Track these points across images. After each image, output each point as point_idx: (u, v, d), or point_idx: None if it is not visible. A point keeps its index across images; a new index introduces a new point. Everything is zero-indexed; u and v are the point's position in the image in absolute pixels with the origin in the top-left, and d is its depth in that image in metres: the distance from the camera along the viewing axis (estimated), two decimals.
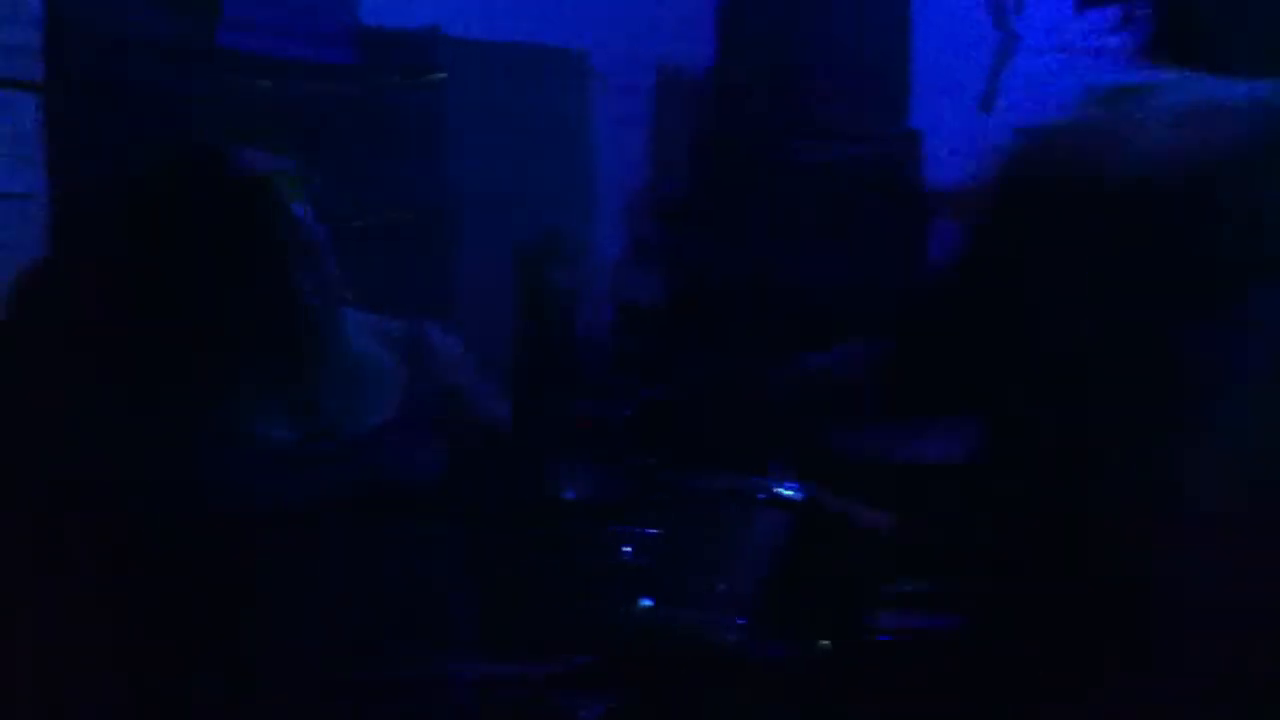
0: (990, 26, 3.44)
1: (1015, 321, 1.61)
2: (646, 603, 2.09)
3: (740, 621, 2.08)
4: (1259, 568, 1.59)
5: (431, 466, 2.28)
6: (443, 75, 3.28)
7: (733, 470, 2.55)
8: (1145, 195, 1.54)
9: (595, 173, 3.85)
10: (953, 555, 2.31)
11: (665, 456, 2.93)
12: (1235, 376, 1.52)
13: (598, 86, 3.79)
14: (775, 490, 2.22)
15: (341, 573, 2.09)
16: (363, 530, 2.13)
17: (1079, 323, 1.59)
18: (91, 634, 2.07)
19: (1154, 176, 1.55)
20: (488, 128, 3.57)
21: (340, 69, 3.15)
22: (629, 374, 3.55)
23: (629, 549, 2.19)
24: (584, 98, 3.80)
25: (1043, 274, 1.60)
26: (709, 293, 3.59)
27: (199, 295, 2.19)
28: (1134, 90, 1.63)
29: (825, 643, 2.15)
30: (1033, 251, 1.59)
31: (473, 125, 3.48)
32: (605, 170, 3.83)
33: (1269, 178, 1.54)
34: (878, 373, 2.71)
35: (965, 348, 1.79)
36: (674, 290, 3.68)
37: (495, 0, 3.52)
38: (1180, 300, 1.55)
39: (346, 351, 2.25)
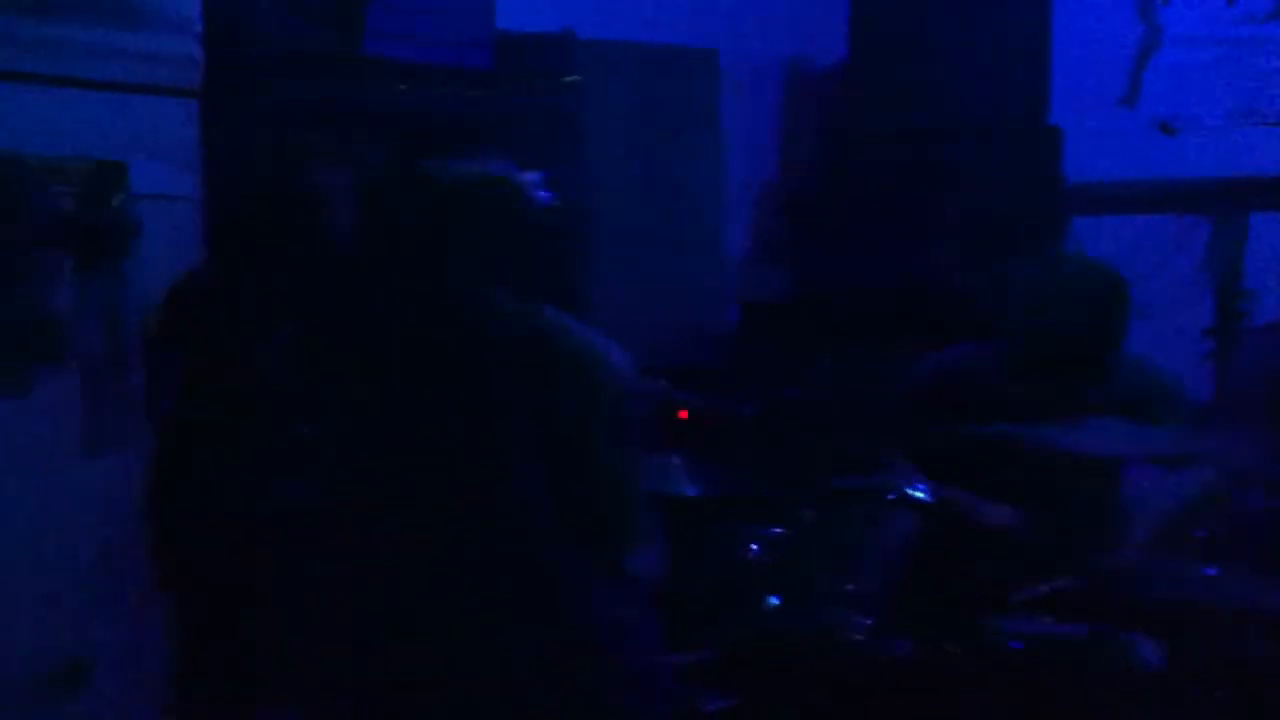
0: (1134, 18, 3.32)
1: None
2: (773, 601, 2.11)
3: (867, 621, 2.08)
4: None
5: None
6: (576, 78, 3.34)
7: (861, 470, 2.55)
8: None
9: (724, 170, 3.86)
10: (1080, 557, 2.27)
11: (793, 455, 2.94)
12: None
13: (727, 85, 3.80)
14: (905, 490, 2.21)
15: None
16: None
17: None
18: None
19: None
20: (620, 128, 3.61)
21: (479, 74, 3.24)
22: (755, 372, 3.56)
23: (756, 547, 2.21)
24: (713, 96, 3.81)
25: None
26: (837, 290, 3.57)
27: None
28: None
29: (953, 645, 2.13)
30: None
31: (605, 125, 3.53)
32: (734, 168, 3.84)
33: None
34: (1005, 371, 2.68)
35: None
36: (801, 287, 3.67)
37: (626, 2, 3.56)
38: None
39: None
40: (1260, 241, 3.27)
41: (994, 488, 2.42)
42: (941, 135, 3.42)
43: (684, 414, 2.88)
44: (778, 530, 2.31)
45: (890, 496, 2.19)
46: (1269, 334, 2.62)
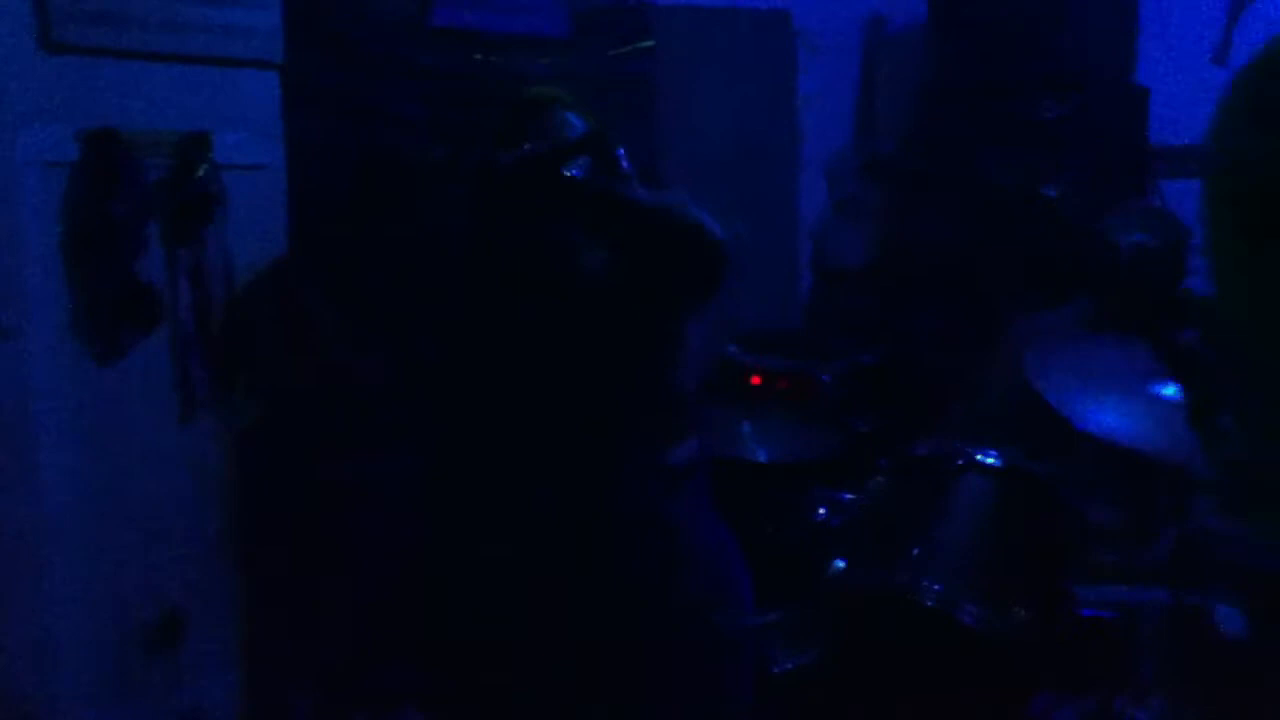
0: None
1: None
2: (839, 564, 2.11)
3: (936, 587, 2.07)
4: None
5: None
6: (651, 43, 3.34)
7: (933, 433, 2.53)
8: None
9: (801, 134, 3.82)
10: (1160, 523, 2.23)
11: (867, 419, 2.93)
12: None
13: (803, 47, 3.76)
14: (975, 456, 2.19)
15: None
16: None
17: None
18: None
19: None
20: (695, 92, 3.60)
21: (553, 41, 3.25)
22: (832, 335, 3.54)
23: (824, 510, 2.21)
24: (789, 59, 3.77)
25: None
26: (915, 254, 3.52)
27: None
28: None
29: (1022, 611, 2.12)
30: None
31: (681, 90, 3.52)
32: (810, 130, 3.80)
33: None
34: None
35: None
36: (880, 252, 3.63)
37: None
38: None
39: None
40: None
41: (1074, 454, 2.40)
42: (1024, 96, 3.34)
43: (756, 379, 2.88)
44: (847, 495, 2.31)
45: (959, 462, 2.17)
46: None
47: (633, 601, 2.00)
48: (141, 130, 2.49)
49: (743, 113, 3.71)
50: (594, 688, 2.00)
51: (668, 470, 2.06)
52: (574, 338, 2.00)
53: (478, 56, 3.07)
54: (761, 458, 2.57)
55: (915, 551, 2.12)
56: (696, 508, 2.10)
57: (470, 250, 2.14)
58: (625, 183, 1.95)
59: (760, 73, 3.74)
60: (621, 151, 2.00)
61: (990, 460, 2.20)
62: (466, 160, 2.32)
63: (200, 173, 2.56)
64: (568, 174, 1.89)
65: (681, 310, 2.06)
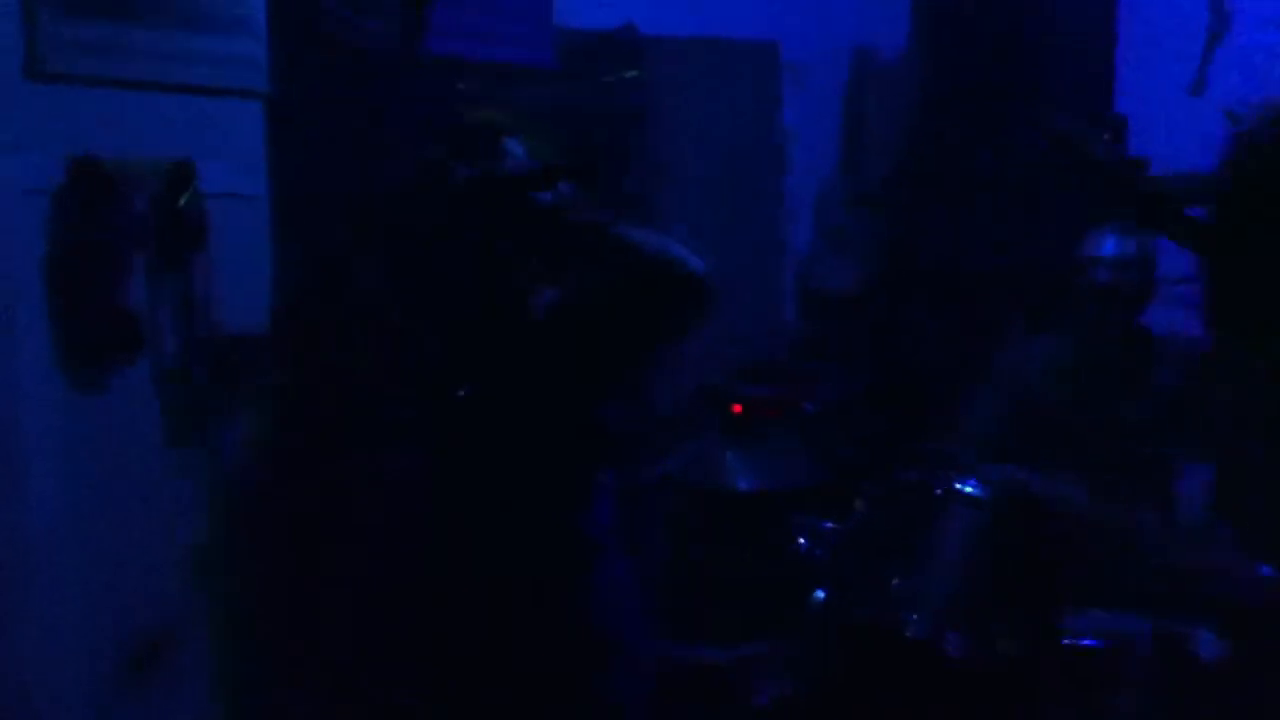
0: (1201, 3, 3.23)
1: None
2: (820, 594, 2.11)
3: (918, 618, 2.06)
4: None
5: None
6: (637, 73, 3.36)
7: (918, 462, 2.53)
8: None
9: (787, 163, 3.84)
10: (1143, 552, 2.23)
11: (851, 449, 2.93)
12: None
13: (789, 78, 3.78)
14: (955, 485, 2.19)
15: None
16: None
17: None
18: None
19: None
20: (683, 122, 3.62)
21: (540, 71, 3.27)
22: (816, 365, 3.54)
23: (804, 540, 2.21)
24: (775, 89, 3.80)
25: None
26: (902, 280, 3.54)
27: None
28: None
29: (1007, 641, 2.12)
30: None
31: (669, 120, 3.54)
32: (796, 161, 3.82)
33: None
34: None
35: None
36: (867, 278, 3.64)
37: None
38: None
39: None
40: None
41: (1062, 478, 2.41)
42: (1004, 124, 3.37)
43: (738, 408, 2.88)
44: (828, 524, 2.31)
45: (938, 491, 2.17)
46: None
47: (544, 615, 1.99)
48: (126, 158, 2.49)
49: (729, 144, 3.73)
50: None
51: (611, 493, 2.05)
52: (522, 366, 1.98)
53: (462, 86, 3.08)
54: (743, 486, 2.57)
55: (897, 582, 2.12)
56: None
57: (430, 268, 2.13)
58: (606, 215, 1.95)
59: (747, 104, 3.76)
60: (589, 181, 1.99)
61: (970, 489, 2.20)
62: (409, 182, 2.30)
63: (184, 202, 2.56)
64: (545, 201, 1.88)
65: (658, 343, 2.05)
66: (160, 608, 2.55)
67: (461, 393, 2.02)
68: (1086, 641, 2.17)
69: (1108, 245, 2.72)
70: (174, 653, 2.56)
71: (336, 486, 2.44)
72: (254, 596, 2.61)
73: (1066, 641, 2.14)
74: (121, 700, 2.50)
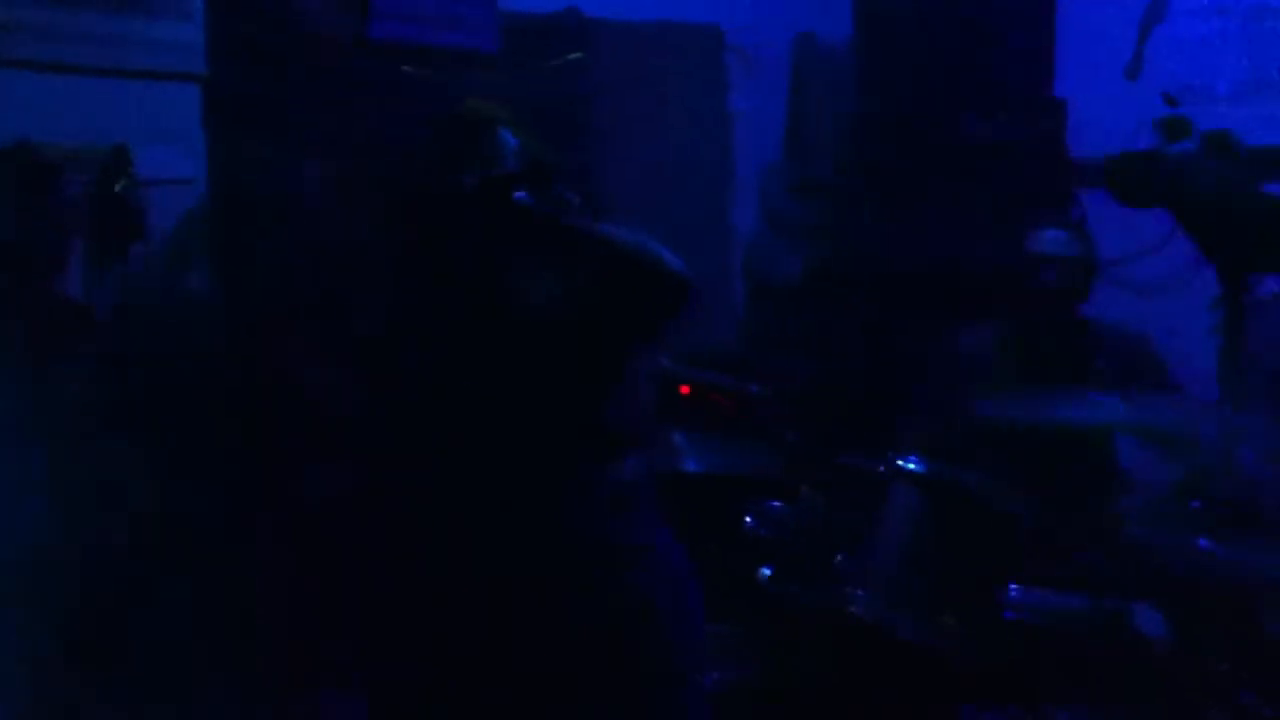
0: None
1: None
2: (765, 572, 2.12)
3: (860, 594, 2.09)
4: None
5: None
6: (580, 56, 3.35)
7: (863, 446, 2.56)
8: None
9: (732, 149, 3.85)
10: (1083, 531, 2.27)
11: (797, 432, 2.95)
12: None
13: (734, 62, 3.78)
14: (900, 465, 2.21)
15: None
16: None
17: None
18: None
19: None
20: (628, 106, 3.61)
21: (484, 55, 3.24)
22: (762, 350, 3.56)
23: (751, 520, 2.22)
24: (720, 74, 3.80)
25: None
26: (847, 269, 3.56)
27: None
28: None
29: (951, 618, 2.14)
30: None
31: (612, 104, 3.53)
32: (743, 146, 3.82)
33: None
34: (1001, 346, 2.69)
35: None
36: (809, 266, 3.66)
37: None
38: None
39: None
40: None
41: (1000, 464, 2.44)
42: (946, 108, 3.40)
43: (685, 389, 2.89)
44: (776, 505, 2.32)
45: (882, 470, 2.19)
46: (1273, 306, 2.61)
47: (575, 628, 1.97)
48: (59, 144, 2.44)
49: (675, 128, 3.73)
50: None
51: (610, 490, 2.04)
52: (516, 365, 1.98)
53: (408, 70, 3.05)
54: (692, 468, 2.57)
55: (843, 561, 2.14)
56: (644, 525, 2.08)
57: (412, 272, 2.11)
58: (582, 214, 1.95)
59: (692, 88, 3.76)
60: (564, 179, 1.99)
61: (914, 468, 2.22)
62: (408, 179, 2.28)
63: (120, 188, 2.51)
64: (527, 203, 1.87)
65: (637, 342, 2.05)
66: (116, 602, 2.51)
67: (411, 366, 2.01)
68: (1028, 618, 2.21)
69: (1051, 244, 2.77)
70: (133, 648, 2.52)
71: (322, 497, 2.42)
72: (248, 599, 2.58)
73: (1010, 617, 2.17)
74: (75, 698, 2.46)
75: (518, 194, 1.88)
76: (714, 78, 3.81)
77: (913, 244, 3.40)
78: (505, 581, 1.94)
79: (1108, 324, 2.83)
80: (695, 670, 2.00)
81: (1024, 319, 2.79)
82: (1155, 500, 2.45)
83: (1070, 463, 2.60)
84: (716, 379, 3.05)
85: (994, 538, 2.31)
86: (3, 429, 2.36)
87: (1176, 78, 3.28)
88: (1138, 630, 2.22)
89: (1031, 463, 2.46)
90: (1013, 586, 2.26)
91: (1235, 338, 2.56)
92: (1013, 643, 2.18)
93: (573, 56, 3.35)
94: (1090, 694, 2.14)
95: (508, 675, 1.92)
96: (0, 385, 2.35)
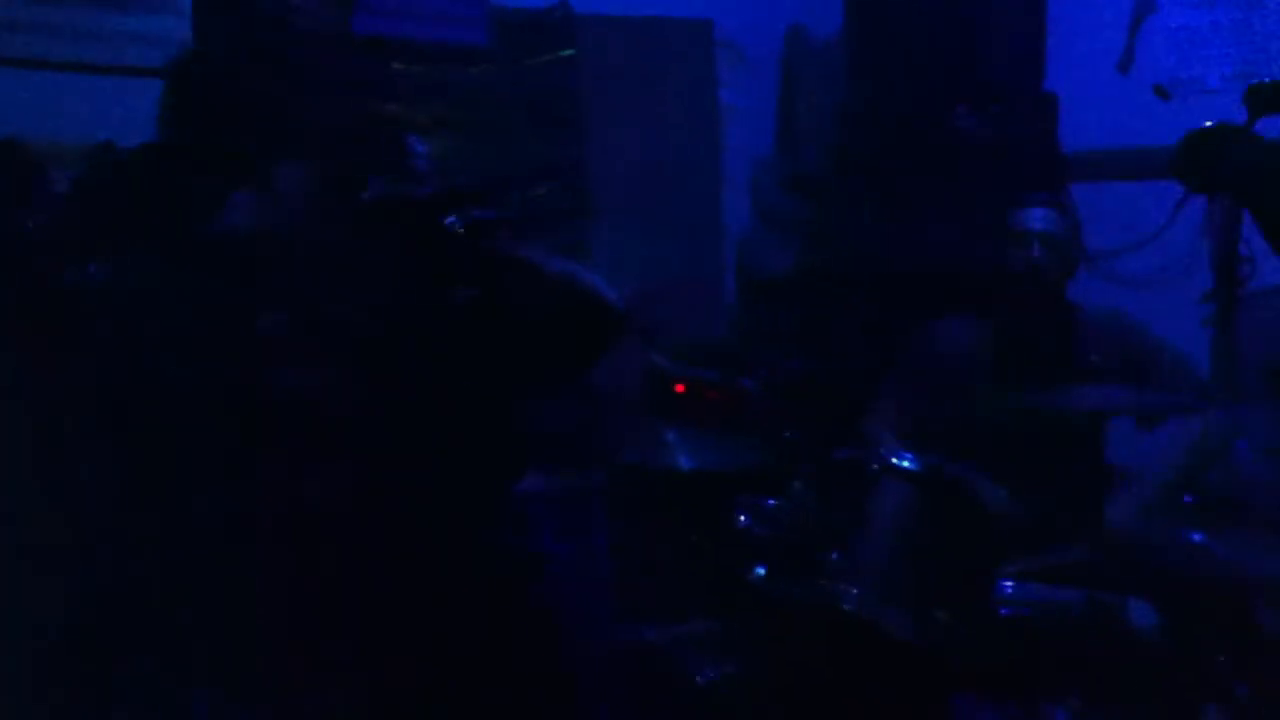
0: None
1: None
2: (758, 569, 2.11)
3: (856, 592, 2.08)
4: None
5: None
6: (570, 51, 3.33)
7: (855, 443, 2.55)
8: None
9: (723, 143, 3.83)
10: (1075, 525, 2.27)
11: (790, 428, 2.94)
12: None
13: (724, 56, 3.77)
14: (890, 460, 2.20)
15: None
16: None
17: None
18: None
19: None
20: (617, 102, 3.60)
21: (473, 49, 3.23)
22: (755, 345, 3.55)
23: (744, 516, 2.21)
24: (709, 69, 3.78)
25: None
26: (839, 264, 3.55)
27: None
28: None
29: (943, 613, 2.14)
30: None
31: (602, 99, 3.52)
32: (733, 141, 3.81)
33: None
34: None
35: None
36: (803, 262, 3.65)
37: None
38: None
39: None
40: None
41: (991, 458, 2.43)
42: (937, 103, 3.39)
43: (680, 387, 2.88)
44: (770, 501, 2.31)
45: (874, 466, 2.18)
46: (1267, 299, 2.61)
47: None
48: (47, 141, 2.42)
49: (665, 123, 3.71)
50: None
51: (516, 502, 2.03)
52: (444, 376, 1.95)
53: (398, 65, 3.04)
54: (685, 465, 2.57)
55: (836, 557, 2.13)
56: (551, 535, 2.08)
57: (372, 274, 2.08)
58: (504, 238, 1.91)
59: (682, 83, 3.75)
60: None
61: (906, 464, 2.21)
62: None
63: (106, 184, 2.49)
64: (464, 225, 1.84)
65: (565, 371, 2.02)
66: (115, 593, 2.48)
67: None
68: (1021, 612, 2.20)
69: (1035, 220, 2.75)
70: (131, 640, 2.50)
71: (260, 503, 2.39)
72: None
73: (1004, 613, 2.17)
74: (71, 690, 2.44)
75: (435, 218, 1.85)
76: (704, 72, 3.80)
77: (904, 239, 3.38)
78: (438, 585, 1.92)
79: (1101, 313, 2.80)
80: (596, 672, 1.99)
81: (1010, 305, 2.76)
82: (1148, 494, 2.45)
83: (1061, 456, 2.59)
84: (709, 375, 3.04)
85: (987, 533, 2.30)
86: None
87: (1168, 71, 3.27)
88: (1132, 625, 2.21)
89: (1022, 456, 2.45)
90: (1006, 582, 2.25)
91: (1228, 331, 2.56)
92: (1007, 638, 2.17)
93: (563, 52, 3.33)
94: (1085, 690, 2.13)
95: (449, 672, 1.91)
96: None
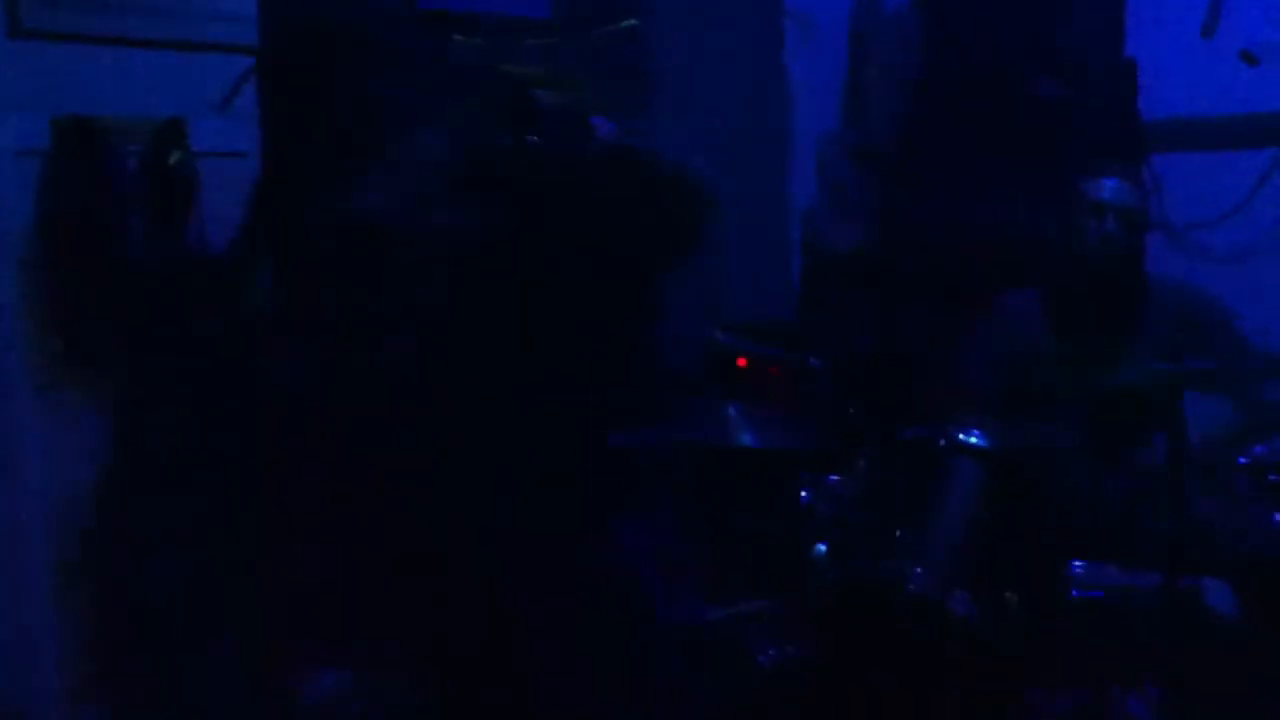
0: None
1: None
2: (821, 548, 2.08)
3: (918, 571, 2.04)
4: None
5: None
6: (634, 23, 3.30)
7: (923, 419, 2.50)
8: None
9: (791, 118, 3.77)
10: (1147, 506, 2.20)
11: (856, 405, 2.89)
12: None
13: (792, 27, 3.70)
14: (959, 438, 2.15)
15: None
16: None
17: None
18: None
19: None
20: (681, 74, 3.56)
21: (535, 22, 3.21)
22: (824, 322, 3.50)
23: (807, 494, 2.18)
24: (778, 41, 3.72)
25: None
26: (908, 240, 3.48)
27: None
28: None
29: (1012, 596, 2.09)
30: None
31: (666, 72, 3.48)
32: (802, 113, 3.75)
33: None
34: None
35: None
36: (871, 238, 3.59)
37: None
38: None
39: None
40: None
41: (1061, 435, 2.37)
42: (1014, 73, 3.30)
43: (743, 362, 2.85)
44: (833, 479, 2.28)
45: (942, 444, 2.14)
46: None
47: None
48: (115, 117, 2.45)
49: (731, 96, 3.66)
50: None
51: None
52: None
53: (459, 39, 3.03)
54: (749, 443, 2.53)
55: (902, 537, 2.10)
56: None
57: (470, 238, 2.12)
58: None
59: (750, 54, 3.69)
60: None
61: (975, 441, 2.16)
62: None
63: (175, 160, 2.52)
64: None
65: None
66: (161, 576, 2.53)
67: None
68: (1094, 594, 2.14)
69: (1107, 191, 2.66)
70: (174, 623, 2.55)
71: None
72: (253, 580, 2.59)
73: (1075, 595, 2.11)
74: (119, 672, 2.49)
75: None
76: (771, 44, 3.73)
77: (974, 213, 3.31)
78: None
79: (1171, 285, 2.70)
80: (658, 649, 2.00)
81: (1081, 277, 2.68)
82: (1224, 473, 2.37)
83: (1136, 432, 2.51)
84: (773, 352, 3.00)
85: (1058, 512, 2.24)
86: (56, 396, 2.39)
87: (1255, 35, 3.14)
88: (1209, 608, 2.14)
89: (1095, 432, 2.39)
90: (1077, 563, 2.19)
91: None
92: (1077, 622, 2.11)
93: (626, 24, 3.30)
94: (1160, 677, 2.07)
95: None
96: (57, 352, 2.38)
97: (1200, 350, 2.51)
